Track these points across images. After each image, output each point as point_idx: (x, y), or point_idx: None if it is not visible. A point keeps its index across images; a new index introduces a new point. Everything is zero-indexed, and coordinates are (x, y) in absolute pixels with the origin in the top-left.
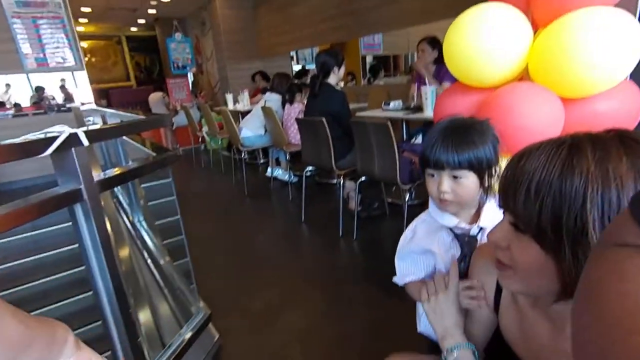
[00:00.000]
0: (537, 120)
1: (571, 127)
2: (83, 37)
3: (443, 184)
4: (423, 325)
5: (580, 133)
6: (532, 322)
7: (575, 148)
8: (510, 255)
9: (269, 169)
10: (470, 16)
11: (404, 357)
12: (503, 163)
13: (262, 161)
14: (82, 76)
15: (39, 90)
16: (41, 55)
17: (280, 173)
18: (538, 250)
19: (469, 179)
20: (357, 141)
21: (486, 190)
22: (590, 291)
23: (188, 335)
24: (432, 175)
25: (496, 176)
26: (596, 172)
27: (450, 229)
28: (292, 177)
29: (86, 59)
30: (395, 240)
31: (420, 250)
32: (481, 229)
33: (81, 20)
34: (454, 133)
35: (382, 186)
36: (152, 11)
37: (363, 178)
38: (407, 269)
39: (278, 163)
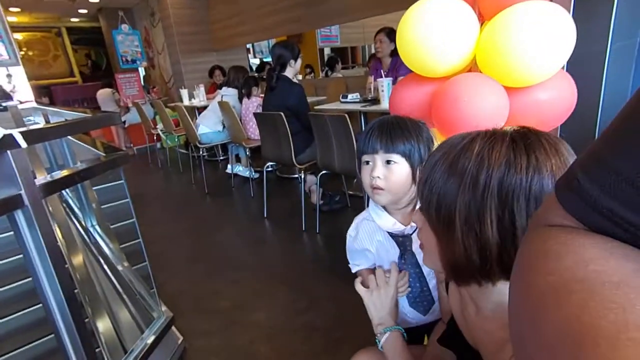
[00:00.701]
0: (483, 109)
1: (516, 115)
2: (16, 28)
3: (376, 168)
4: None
5: (487, 129)
6: (465, 300)
7: (470, 141)
8: (421, 235)
9: (229, 166)
10: (419, 8)
11: (371, 353)
12: None
13: (221, 158)
14: (19, 72)
15: None
16: None
17: (240, 169)
18: (431, 232)
19: (401, 166)
20: (316, 134)
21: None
22: (520, 268)
23: (150, 339)
24: (367, 163)
25: None
26: (475, 161)
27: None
28: (253, 173)
29: (22, 52)
30: None
31: (362, 249)
32: (416, 228)
33: (12, 9)
34: (390, 124)
35: (342, 179)
36: (94, 1)
37: (324, 171)
38: (357, 260)
39: (238, 159)
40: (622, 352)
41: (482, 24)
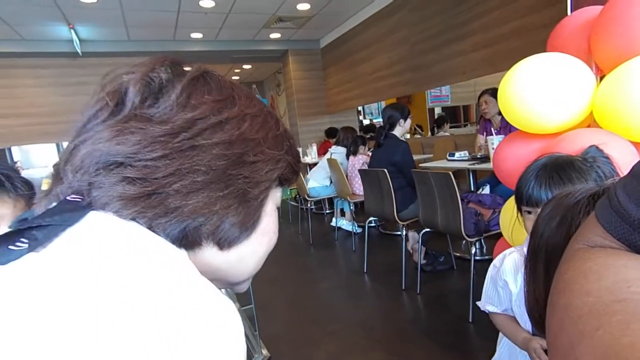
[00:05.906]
0: None
1: None
2: None
3: None
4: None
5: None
6: None
7: None
8: None
9: (334, 219)
10: (524, 66)
11: None
12: None
13: (327, 211)
14: None
15: None
16: None
17: (344, 223)
18: None
19: None
20: (419, 191)
21: None
22: (558, 289)
23: None
24: (529, 212)
25: None
26: None
27: None
28: (356, 227)
29: None
30: (462, 296)
31: (502, 282)
32: None
33: None
34: (550, 169)
35: (448, 239)
36: (235, 78)
37: (426, 229)
38: (490, 297)
39: (343, 213)
40: None
41: (600, 78)
